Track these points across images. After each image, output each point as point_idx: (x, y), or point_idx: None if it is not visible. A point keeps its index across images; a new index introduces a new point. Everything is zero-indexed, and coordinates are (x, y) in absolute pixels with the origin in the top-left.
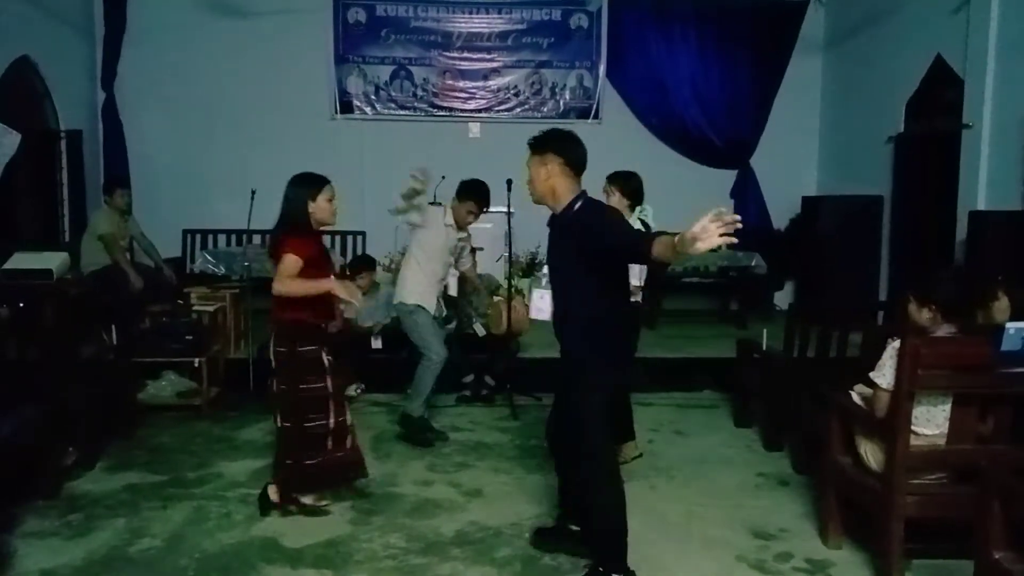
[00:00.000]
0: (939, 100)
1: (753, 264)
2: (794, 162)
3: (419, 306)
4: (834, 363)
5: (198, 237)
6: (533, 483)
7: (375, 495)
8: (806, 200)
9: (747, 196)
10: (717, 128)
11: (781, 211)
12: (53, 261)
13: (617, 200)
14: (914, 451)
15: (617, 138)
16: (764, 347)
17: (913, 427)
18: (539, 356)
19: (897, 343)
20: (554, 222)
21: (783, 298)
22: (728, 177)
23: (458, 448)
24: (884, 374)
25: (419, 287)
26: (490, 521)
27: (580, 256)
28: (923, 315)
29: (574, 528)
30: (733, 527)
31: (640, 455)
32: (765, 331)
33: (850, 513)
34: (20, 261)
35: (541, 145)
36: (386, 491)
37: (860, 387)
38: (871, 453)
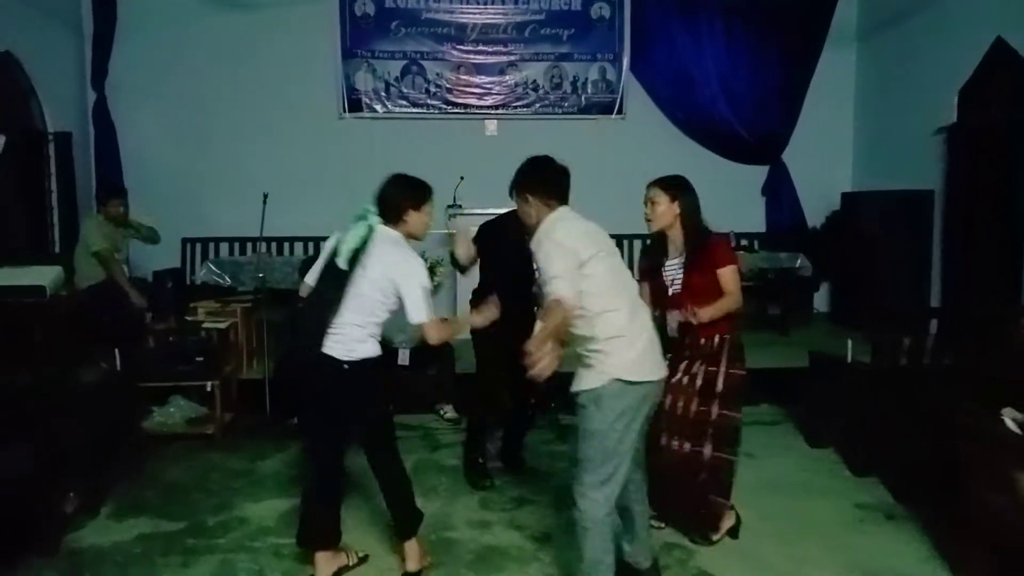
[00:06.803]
0: (999, 86)
1: (797, 265)
2: (829, 157)
3: None
4: (937, 375)
5: (198, 246)
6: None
7: (428, 542)
8: (846, 196)
9: (780, 193)
10: (747, 122)
11: (816, 208)
12: (46, 276)
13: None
14: None
15: (642, 134)
16: (849, 358)
17: None
18: None
19: None
20: None
21: (819, 300)
22: (759, 173)
23: (511, 480)
24: None
25: None
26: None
27: None
28: None
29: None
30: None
31: None
32: (850, 341)
33: (999, 559)
34: (9, 277)
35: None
36: (440, 536)
37: (1011, 411)
38: None
